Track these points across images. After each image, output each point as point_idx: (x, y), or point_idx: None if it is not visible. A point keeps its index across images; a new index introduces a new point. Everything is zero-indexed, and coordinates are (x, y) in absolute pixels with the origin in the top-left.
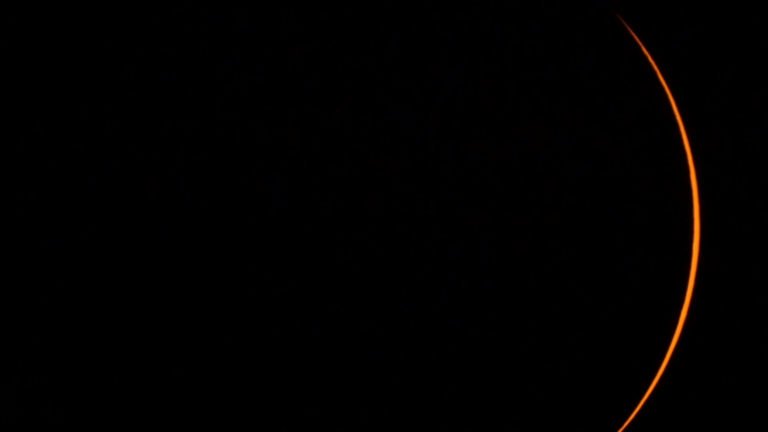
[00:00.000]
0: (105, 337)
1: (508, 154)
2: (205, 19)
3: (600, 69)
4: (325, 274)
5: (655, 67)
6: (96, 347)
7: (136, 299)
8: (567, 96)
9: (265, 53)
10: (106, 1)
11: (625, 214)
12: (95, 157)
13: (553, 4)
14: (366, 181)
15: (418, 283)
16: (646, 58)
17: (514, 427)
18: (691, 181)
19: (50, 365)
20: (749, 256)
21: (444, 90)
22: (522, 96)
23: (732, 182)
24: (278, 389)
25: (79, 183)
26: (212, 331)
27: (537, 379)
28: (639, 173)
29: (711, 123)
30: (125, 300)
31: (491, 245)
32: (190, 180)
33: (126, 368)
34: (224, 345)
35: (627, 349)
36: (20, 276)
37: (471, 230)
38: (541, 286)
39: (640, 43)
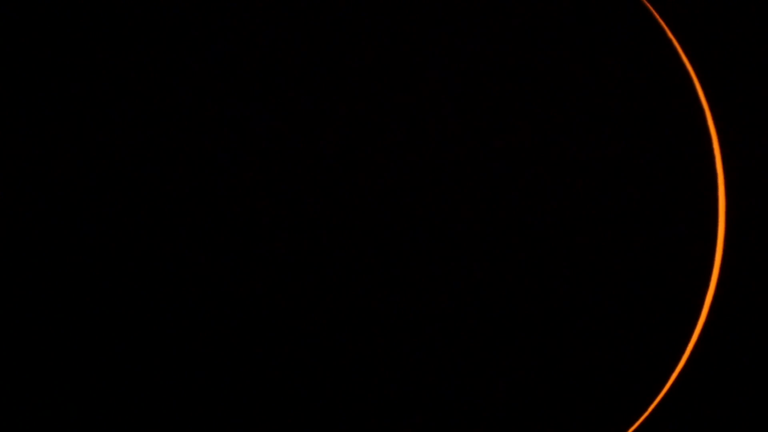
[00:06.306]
0: (105, 336)
1: (526, 147)
2: (202, 19)
3: (624, 58)
4: (324, 273)
5: (682, 54)
6: (96, 347)
7: (135, 299)
8: (590, 86)
9: (263, 52)
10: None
11: (649, 210)
12: (94, 157)
13: None
14: (373, 178)
15: (446, 282)
16: (672, 45)
17: (528, 426)
18: (717, 175)
19: (50, 365)
20: None
21: (464, 84)
22: (543, 87)
23: (760, 178)
24: (277, 389)
25: (78, 182)
26: (212, 331)
27: (553, 377)
28: (663, 166)
29: (740, 114)
30: (125, 299)
31: (512, 241)
32: (189, 179)
33: (125, 368)
34: (224, 345)
35: (646, 347)
36: (20, 276)
37: (490, 226)
38: (560, 283)
39: (667, 30)
